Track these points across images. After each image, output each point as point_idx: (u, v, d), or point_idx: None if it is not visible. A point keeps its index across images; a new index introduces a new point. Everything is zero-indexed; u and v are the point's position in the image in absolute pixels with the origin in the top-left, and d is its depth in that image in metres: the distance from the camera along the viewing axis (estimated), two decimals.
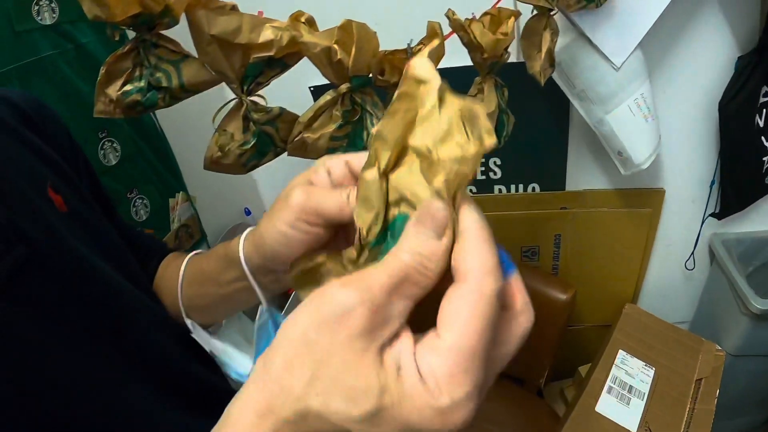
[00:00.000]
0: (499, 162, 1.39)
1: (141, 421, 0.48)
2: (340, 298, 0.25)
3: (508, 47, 0.80)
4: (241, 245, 0.47)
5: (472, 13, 0.80)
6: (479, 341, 0.25)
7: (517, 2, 0.87)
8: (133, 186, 1.10)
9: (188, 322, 0.57)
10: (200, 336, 0.55)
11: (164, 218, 1.19)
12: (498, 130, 0.87)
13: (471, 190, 1.42)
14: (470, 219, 0.28)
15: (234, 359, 0.56)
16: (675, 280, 1.55)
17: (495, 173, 1.40)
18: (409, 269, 0.26)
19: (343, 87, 0.67)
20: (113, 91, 0.67)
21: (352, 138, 0.72)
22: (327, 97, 0.69)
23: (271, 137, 0.72)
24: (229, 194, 1.45)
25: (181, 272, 0.57)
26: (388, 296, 0.26)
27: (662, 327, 1.31)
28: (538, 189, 1.42)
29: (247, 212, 1.49)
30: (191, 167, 1.19)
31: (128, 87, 0.67)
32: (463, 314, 0.25)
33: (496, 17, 0.80)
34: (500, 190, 1.43)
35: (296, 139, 0.71)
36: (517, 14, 0.83)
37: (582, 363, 1.49)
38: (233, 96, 0.69)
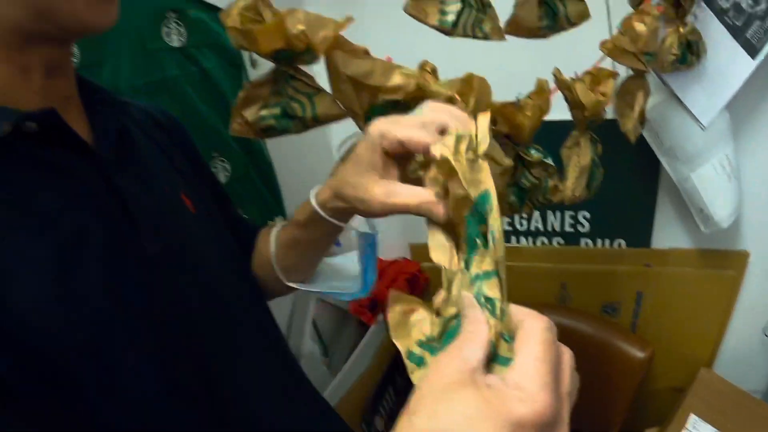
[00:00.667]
0: (588, 216, 1.44)
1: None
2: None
3: (604, 109, 0.86)
4: (313, 196, 0.59)
5: (575, 72, 0.86)
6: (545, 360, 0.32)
7: (615, 63, 0.93)
8: (238, 205, 1.20)
9: (290, 284, 0.69)
10: (306, 288, 0.69)
11: None
12: (589, 183, 0.93)
13: (559, 242, 1.48)
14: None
15: (339, 288, 0.68)
16: (753, 346, 1.53)
17: (583, 226, 1.45)
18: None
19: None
20: (250, 114, 0.76)
21: None
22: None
23: None
24: None
25: (272, 246, 0.69)
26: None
27: (737, 395, 1.30)
28: (623, 245, 1.45)
29: (338, 243, 1.55)
30: (292, 193, 1.28)
31: (264, 112, 0.75)
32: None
33: (596, 76, 0.87)
34: (587, 244, 1.47)
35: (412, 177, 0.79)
36: (615, 75, 0.89)
37: (651, 425, 1.47)
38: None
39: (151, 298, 0.49)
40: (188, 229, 0.60)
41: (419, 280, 1.50)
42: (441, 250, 0.42)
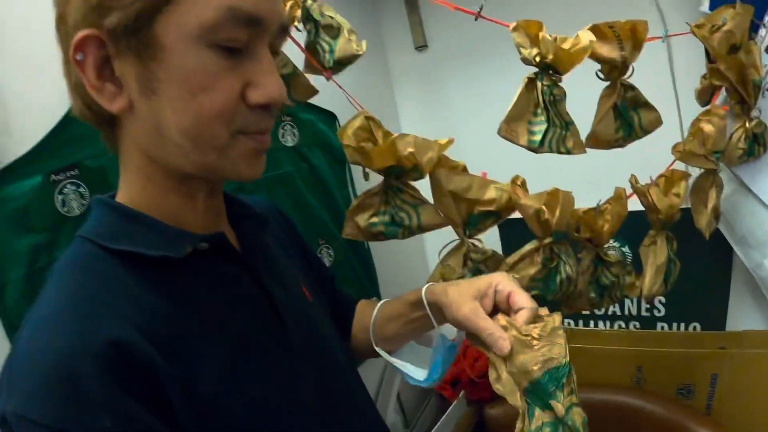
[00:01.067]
0: (663, 300, 1.49)
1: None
2: None
3: (678, 211, 0.94)
4: (424, 296, 0.68)
5: (650, 177, 0.95)
6: None
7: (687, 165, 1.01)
8: (339, 286, 1.35)
9: (377, 348, 0.77)
10: (387, 357, 0.77)
11: None
12: (666, 278, 1.00)
13: (635, 326, 1.53)
14: None
15: (409, 369, 0.75)
16: None
17: (659, 311, 1.50)
18: None
19: (547, 240, 0.85)
20: (361, 220, 0.89)
21: (546, 280, 0.88)
22: (531, 245, 0.86)
23: (482, 273, 0.90)
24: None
25: (374, 313, 0.77)
26: None
27: None
28: (698, 328, 1.48)
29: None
30: (387, 280, 1.41)
31: (374, 219, 0.89)
32: None
33: (669, 179, 0.96)
34: (662, 327, 1.51)
35: None
36: (687, 176, 0.97)
37: None
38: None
39: (297, 380, 0.61)
40: (311, 317, 0.70)
41: None
42: (513, 394, 0.54)
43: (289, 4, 0.79)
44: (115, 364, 0.42)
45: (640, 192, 0.91)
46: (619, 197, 0.89)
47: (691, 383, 1.46)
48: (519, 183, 0.85)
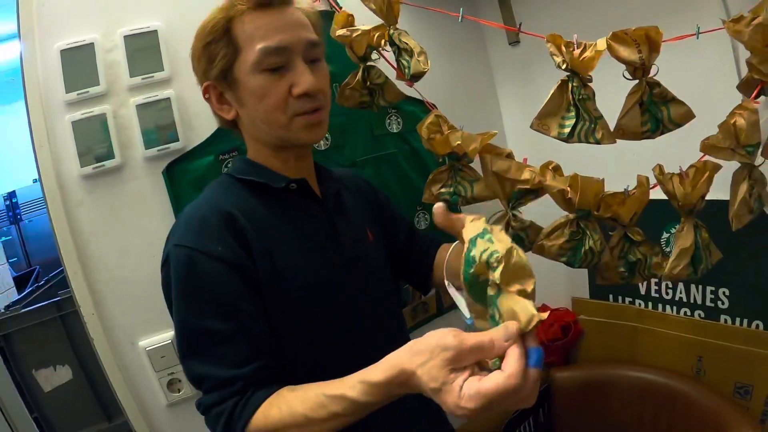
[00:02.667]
0: (727, 293, 1.50)
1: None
2: (449, 341, 0.58)
3: (702, 197, 1.06)
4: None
5: (680, 167, 1.08)
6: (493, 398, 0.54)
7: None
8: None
9: (446, 282, 0.82)
10: (452, 291, 0.80)
11: None
12: (695, 264, 1.11)
13: (699, 315, 1.56)
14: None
15: (462, 307, 0.78)
16: None
17: (723, 303, 1.51)
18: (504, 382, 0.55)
19: (571, 216, 1.11)
20: (434, 189, 1.24)
21: (573, 250, 1.14)
22: (561, 219, 1.13)
23: (522, 239, 1.19)
24: None
25: (449, 250, 0.92)
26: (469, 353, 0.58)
27: None
28: (761, 327, 1.45)
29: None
30: None
31: (443, 189, 1.22)
32: (494, 384, 0.54)
33: (700, 169, 1.07)
34: (725, 321, 1.51)
35: (538, 243, 1.17)
36: (717, 167, 1.06)
37: None
38: (501, 208, 1.19)
39: (348, 276, 0.94)
40: (367, 249, 1.03)
41: (573, 329, 1.78)
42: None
43: (377, 34, 1.16)
44: (226, 221, 0.84)
45: (661, 181, 1.07)
46: (641, 184, 1.09)
47: (749, 383, 1.47)
48: (551, 167, 1.12)
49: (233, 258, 0.82)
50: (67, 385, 1.57)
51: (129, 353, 1.29)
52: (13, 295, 2.87)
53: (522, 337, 0.57)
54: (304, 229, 0.94)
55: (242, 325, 0.80)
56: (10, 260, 3.38)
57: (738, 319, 1.49)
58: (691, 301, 1.57)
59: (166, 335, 1.29)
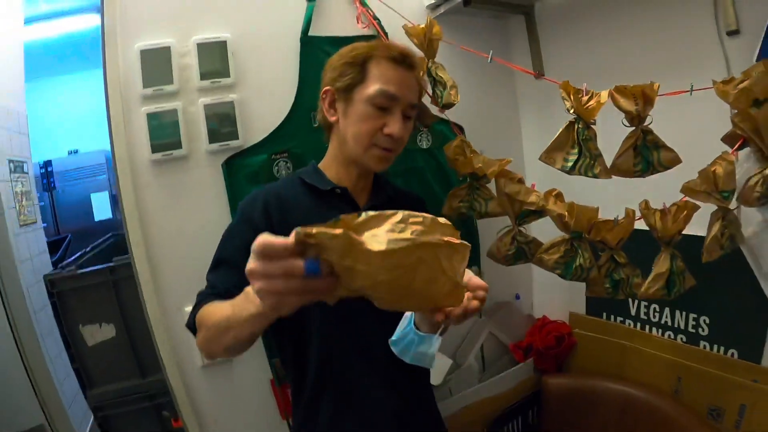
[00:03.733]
0: (708, 321, 1.64)
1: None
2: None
3: (679, 232, 1.23)
4: None
5: (663, 204, 1.25)
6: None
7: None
8: None
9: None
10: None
11: None
12: (670, 287, 1.29)
13: (682, 339, 1.68)
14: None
15: (402, 324, 0.96)
16: None
17: (703, 329, 1.64)
18: None
19: (567, 236, 1.32)
20: (453, 203, 1.45)
21: (566, 265, 1.34)
22: (558, 238, 1.34)
23: (524, 251, 1.40)
24: (508, 279, 2.07)
25: None
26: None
27: None
28: (736, 355, 1.56)
29: (517, 297, 2.16)
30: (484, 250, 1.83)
31: (460, 204, 1.44)
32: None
33: (681, 207, 1.24)
34: (704, 346, 1.63)
35: (537, 256, 1.37)
36: (696, 208, 1.23)
37: None
38: (509, 224, 1.39)
39: None
40: None
41: (566, 341, 1.96)
42: None
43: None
44: (270, 201, 1.11)
45: (645, 215, 1.26)
46: (628, 216, 1.29)
47: (722, 407, 1.57)
48: (553, 194, 1.33)
49: (258, 224, 1.09)
50: (109, 341, 1.80)
51: (175, 317, 1.50)
52: (46, 259, 3.12)
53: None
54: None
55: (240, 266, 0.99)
56: (43, 225, 3.58)
57: (716, 346, 1.61)
58: (675, 325, 1.71)
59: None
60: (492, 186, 1.40)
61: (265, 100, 1.57)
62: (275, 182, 1.27)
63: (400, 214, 0.62)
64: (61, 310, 1.77)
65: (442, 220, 0.64)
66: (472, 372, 1.97)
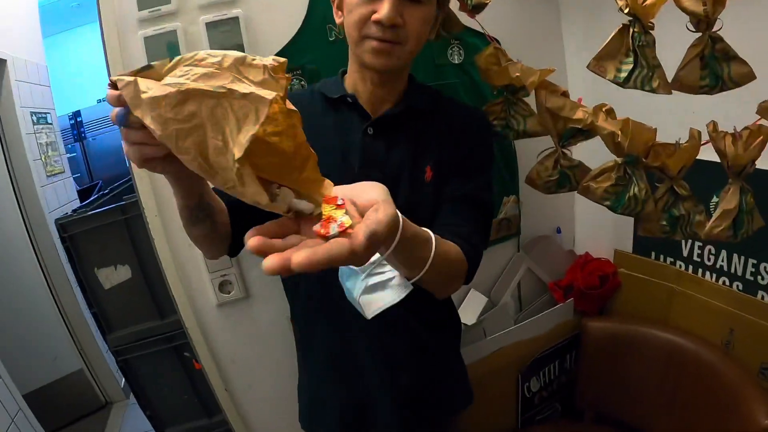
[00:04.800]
0: None
1: None
2: None
3: (752, 161, 1.06)
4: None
5: (734, 127, 1.08)
6: None
7: None
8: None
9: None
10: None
11: (495, 207, 1.74)
12: (736, 228, 1.11)
13: (738, 287, 1.51)
14: None
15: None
16: None
17: (763, 278, 1.45)
18: None
19: (620, 160, 1.12)
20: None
21: (618, 195, 1.15)
22: (609, 163, 1.14)
23: (569, 178, 1.21)
24: (549, 210, 1.91)
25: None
26: None
27: None
28: None
29: (558, 231, 1.97)
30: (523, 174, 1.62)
31: (496, 121, 1.26)
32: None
33: (754, 132, 1.06)
34: (763, 297, 1.46)
35: (584, 184, 1.18)
36: None
37: None
38: (552, 145, 1.20)
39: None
40: (411, 182, 1.02)
41: (611, 281, 1.80)
42: None
43: None
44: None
45: (713, 138, 1.07)
46: (693, 137, 1.10)
47: None
48: (604, 110, 1.13)
49: None
50: (126, 283, 1.70)
51: (186, 254, 1.39)
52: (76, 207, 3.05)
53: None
54: (327, 135, 1.03)
55: None
56: (73, 175, 3.57)
57: None
58: (732, 271, 1.52)
59: None
60: (531, 100, 1.20)
61: (274, 13, 1.38)
62: (298, 90, 1.20)
63: (203, 54, 0.52)
64: (75, 255, 1.67)
65: (269, 62, 0.52)
66: (507, 311, 1.83)
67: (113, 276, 1.68)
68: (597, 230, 1.91)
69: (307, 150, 0.58)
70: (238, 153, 0.48)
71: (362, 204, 0.59)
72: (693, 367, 1.56)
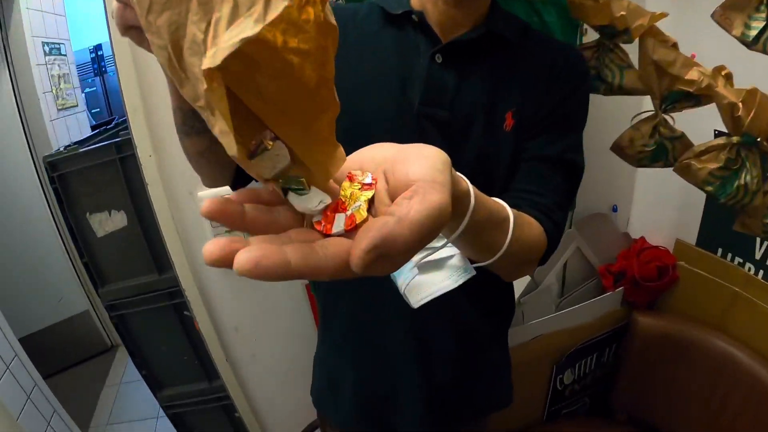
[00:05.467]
0: None
1: None
2: None
3: None
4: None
5: None
6: None
7: None
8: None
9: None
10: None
11: None
12: None
13: None
14: None
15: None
16: None
17: None
18: None
19: (735, 138, 0.85)
20: None
21: (723, 182, 0.89)
22: (721, 140, 0.87)
23: (667, 151, 0.94)
24: (607, 187, 1.66)
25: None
26: None
27: None
28: None
29: (615, 209, 1.73)
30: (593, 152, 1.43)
31: None
32: None
33: None
34: None
35: (684, 161, 0.92)
36: None
37: None
38: (651, 108, 0.93)
39: (408, 135, 0.73)
40: (489, 133, 0.76)
41: (669, 274, 1.55)
42: None
43: None
44: (341, 18, 0.66)
45: None
46: None
47: None
48: (723, 74, 0.85)
49: None
50: (121, 231, 1.48)
51: (186, 203, 1.17)
52: None
53: None
54: (384, 59, 0.79)
55: None
56: (92, 110, 3.36)
57: None
58: None
59: (228, 189, 1.15)
60: (632, 50, 0.92)
61: None
62: (350, 4, 0.90)
63: None
64: (65, 197, 1.44)
65: None
66: (549, 294, 1.61)
67: (107, 223, 1.46)
68: (658, 214, 1.65)
69: (331, 94, 0.36)
70: (209, 60, 0.29)
71: (396, 182, 0.37)
72: (747, 383, 1.36)
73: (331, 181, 0.40)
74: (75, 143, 1.47)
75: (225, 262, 0.30)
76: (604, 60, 0.94)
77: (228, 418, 1.73)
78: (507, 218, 0.58)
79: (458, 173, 0.50)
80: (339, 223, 0.36)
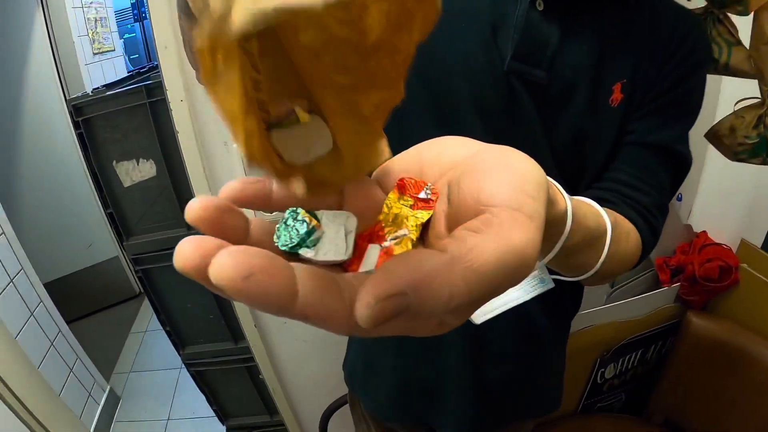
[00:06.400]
0: None
1: None
2: None
3: None
4: None
5: None
6: None
7: None
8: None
9: None
10: None
11: None
12: None
13: None
14: None
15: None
16: None
17: None
18: None
19: None
20: None
21: None
22: None
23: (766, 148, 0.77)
24: None
25: None
26: None
27: None
28: None
29: (679, 198, 1.56)
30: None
31: None
32: None
33: None
34: None
35: None
36: None
37: None
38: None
39: (494, 98, 0.61)
40: (593, 106, 0.61)
41: (731, 275, 1.38)
42: None
43: None
44: None
45: None
46: None
47: None
48: None
49: None
50: (149, 182, 1.37)
51: (220, 154, 1.05)
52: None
53: None
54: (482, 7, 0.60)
55: None
56: (131, 56, 3.26)
57: None
58: None
59: None
60: (744, 25, 0.74)
61: None
62: None
63: None
64: (90, 143, 1.32)
65: None
66: (601, 285, 1.44)
67: (134, 172, 1.34)
68: (723, 209, 1.48)
69: (396, 72, 0.25)
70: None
71: (461, 202, 0.24)
72: None
73: (377, 187, 0.28)
74: (103, 86, 1.34)
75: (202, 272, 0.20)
76: (711, 33, 0.76)
77: (252, 379, 1.68)
78: (604, 235, 0.47)
79: (555, 184, 0.37)
80: (371, 258, 0.25)
